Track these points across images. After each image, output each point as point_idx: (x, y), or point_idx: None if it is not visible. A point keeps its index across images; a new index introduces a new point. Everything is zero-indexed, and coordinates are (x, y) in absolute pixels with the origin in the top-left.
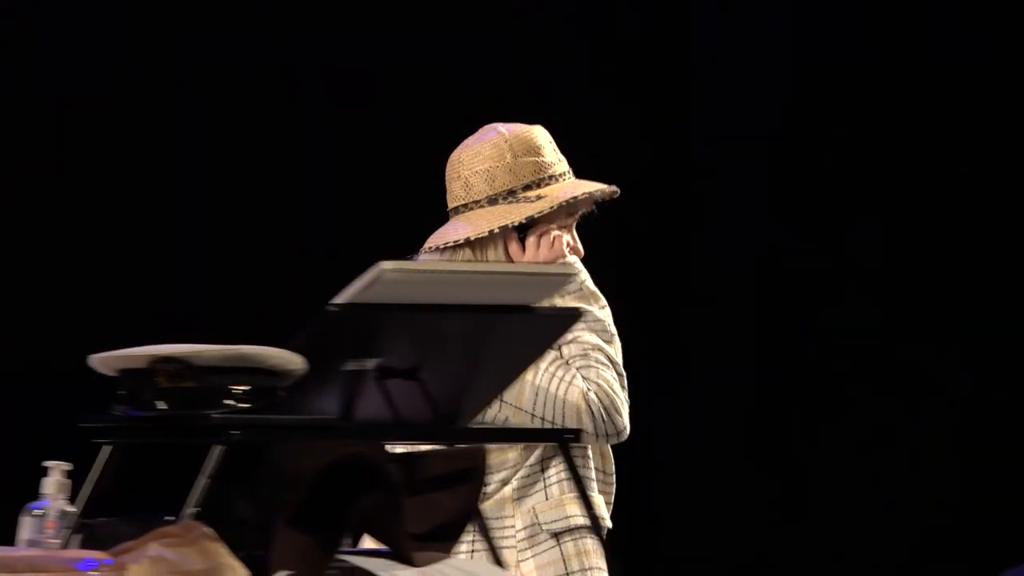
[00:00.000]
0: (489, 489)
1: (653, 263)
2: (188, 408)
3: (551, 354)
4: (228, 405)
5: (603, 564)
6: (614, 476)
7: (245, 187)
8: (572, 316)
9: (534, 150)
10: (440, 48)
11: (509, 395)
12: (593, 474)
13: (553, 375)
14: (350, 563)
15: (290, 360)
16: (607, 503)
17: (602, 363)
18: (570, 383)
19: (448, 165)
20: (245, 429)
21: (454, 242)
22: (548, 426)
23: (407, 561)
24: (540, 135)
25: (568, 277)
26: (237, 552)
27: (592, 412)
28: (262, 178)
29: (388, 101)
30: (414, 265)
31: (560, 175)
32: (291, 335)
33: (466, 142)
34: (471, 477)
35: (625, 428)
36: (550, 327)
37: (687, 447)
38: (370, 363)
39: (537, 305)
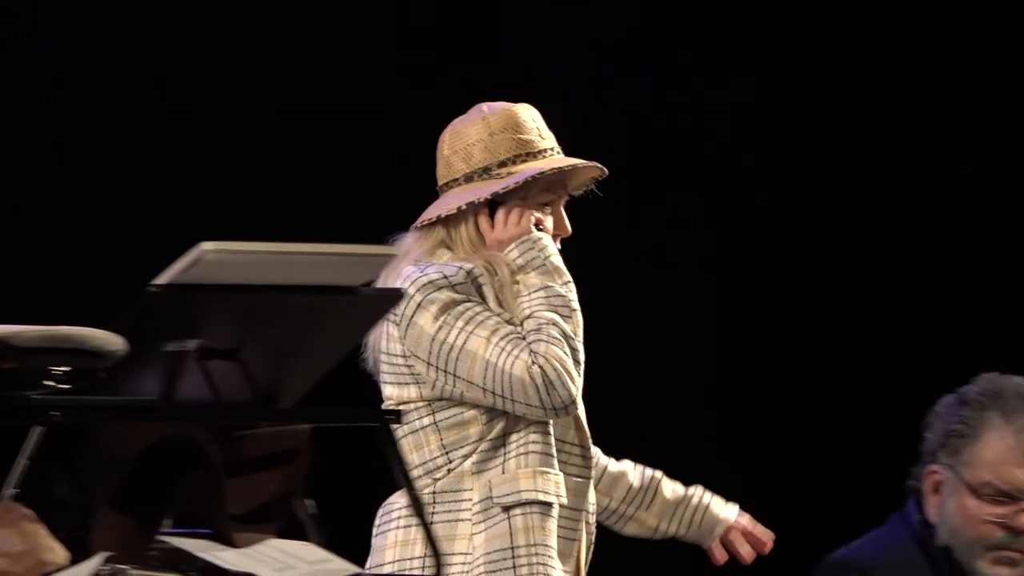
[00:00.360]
0: (452, 465)
1: None
2: (8, 389)
3: (506, 328)
4: (48, 386)
5: (552, 541)
6: (592, 450)
7: (69, 170)
8: (395, 297)
9: (512, 128)
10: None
11: (461, 369)
12: (553, 450)
13: (503, 349)
14: (171, 544)
15: (111, 341)
16: (585, 478)
17: (554, 338)
18: (517, 357)
19: (437, 145)
20: (65, 410)
21: (428, 220)
22: (500, 399)
23: (228, 542)
24: (522, 112)
25: (388, 257)
26: (57, 533)
27: (536, 385)
28: (85, 161)
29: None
30: (235, 245)
31: (540, 152)
32: (113, 316)
33: (452, 122)
34: (294, 458)
35: (572, 403)
36: (373, 307)
37: None
38: (191, 344)
39: (359, 285)
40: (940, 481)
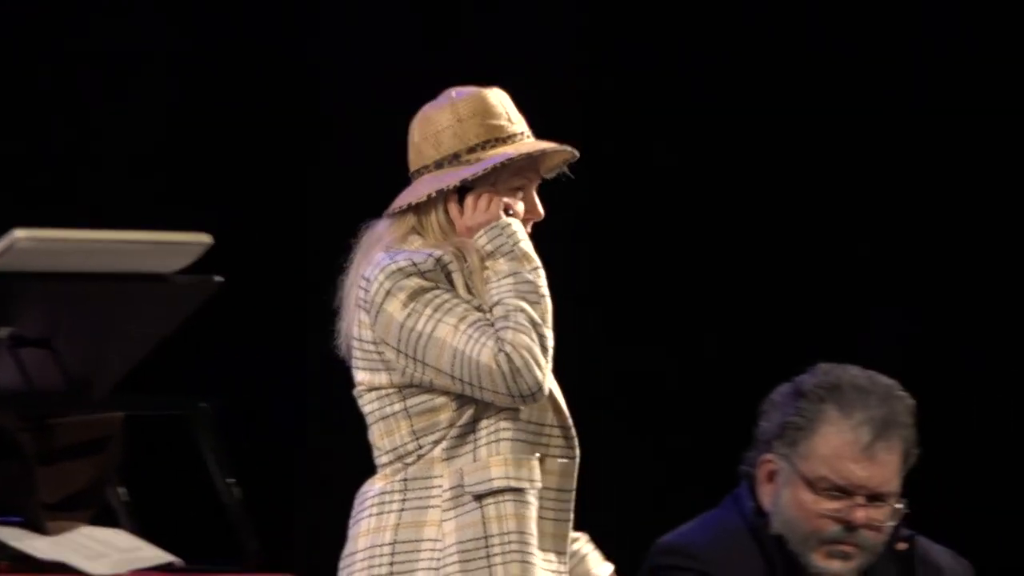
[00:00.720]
0: (422, 452)
1: None
2: None
3: (474, 315)
4: None
5: (527, 528)
6: (573, 431)
7: None
8: (208, 285)
9: (481, 113)
10: None
11: (429, 357)
12: (525, 435)
13: (470, 337)
14: None
15: None
16: (570, 458)
17: (521, 325)
18: (484, 344)
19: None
20: None
21: (398, 208)
22: (468, 387)
23: (40, 531)
24: (492, 97)
25: (200, 245)
26: None
27: (503, 372)
28: None
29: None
30: (48, 233)
31: (510, 137)
32: None
33: (422, 108)
34: (107, 446)
35: (539, 390)
36: (187, 295)
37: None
38: (2, 332)
39: (171, 273)
40: (775, 471)
